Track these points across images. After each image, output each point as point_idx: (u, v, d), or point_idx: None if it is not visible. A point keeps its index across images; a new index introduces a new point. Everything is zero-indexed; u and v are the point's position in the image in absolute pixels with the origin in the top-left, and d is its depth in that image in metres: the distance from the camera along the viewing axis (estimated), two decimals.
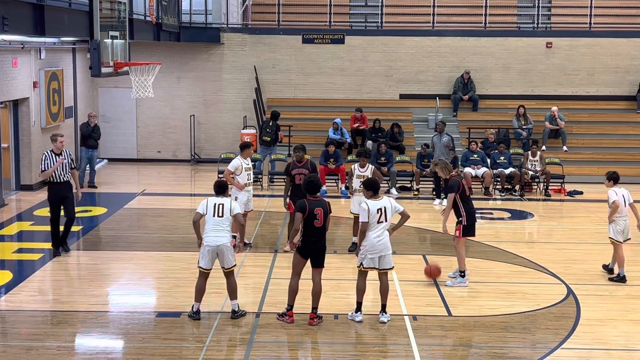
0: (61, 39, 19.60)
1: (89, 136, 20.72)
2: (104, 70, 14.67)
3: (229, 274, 10.65)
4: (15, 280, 12.33)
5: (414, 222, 16.99)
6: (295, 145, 14.62)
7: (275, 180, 21.09)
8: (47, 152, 13.77)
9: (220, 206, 10.53)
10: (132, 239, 15.39)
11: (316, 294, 10.47)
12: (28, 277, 12.53)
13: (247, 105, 24.65)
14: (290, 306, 10.54)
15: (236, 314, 10.64)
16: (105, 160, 24.83)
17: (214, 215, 10.50)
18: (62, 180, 13.70)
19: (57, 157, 13.61)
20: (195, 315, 10.58)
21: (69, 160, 13.74)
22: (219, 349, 9.61)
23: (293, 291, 10.51)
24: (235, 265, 10.68)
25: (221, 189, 10.81)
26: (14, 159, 19.53)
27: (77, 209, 17.32)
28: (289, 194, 13.93)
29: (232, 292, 10.69)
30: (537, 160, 20.66)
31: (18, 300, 11.45)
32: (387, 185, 20.63)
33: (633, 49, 24.81)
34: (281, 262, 13.35)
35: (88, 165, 20.79)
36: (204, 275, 10.59)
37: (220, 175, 17.36)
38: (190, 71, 25.08)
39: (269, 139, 21.62)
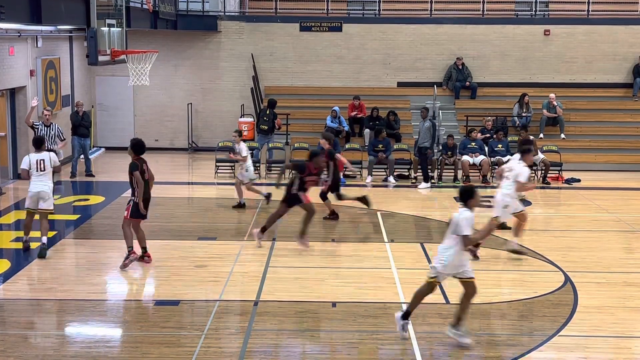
0: (58, 27, 19.54)
1: (80, 125, 20.66)
2: (101, 58, 14.63)
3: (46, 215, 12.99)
4: (13, 269, 12.33)
5: (412, 210, 17.00)
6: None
7: (273, 168, 21.07)
8: (37, 122, 16.55)
9: (41, 162, 12.67)
10: None
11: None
12: (26, 266, 12.53)
13: (244, 94, 24.60)
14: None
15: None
16: (103, 149, 24.81)
17: (37, 170, 12.70)
18: (51, 149, 15.66)
19: (46, 128, 16.23)
20: (25, 244, 13.00)
21: (58, 132, 16.42)
22: (217, 337, 9.62)
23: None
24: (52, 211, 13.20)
25: (39, 143, 12.87)
26: (11, 148, 19.51)
27: (73, 197, 17.62)
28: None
29: (45, 230, 12.91)
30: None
31: (16, 289, 11.45)
32: (385, 173, 20.64)
33: (631, 36, 24.77)
34: (279, 251, 13.37)
35: (82, 155, 20.78)
36: (31, 215, 12.97)
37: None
38: (188, 59, 25.02)
39: (266, 127, 21.60)
